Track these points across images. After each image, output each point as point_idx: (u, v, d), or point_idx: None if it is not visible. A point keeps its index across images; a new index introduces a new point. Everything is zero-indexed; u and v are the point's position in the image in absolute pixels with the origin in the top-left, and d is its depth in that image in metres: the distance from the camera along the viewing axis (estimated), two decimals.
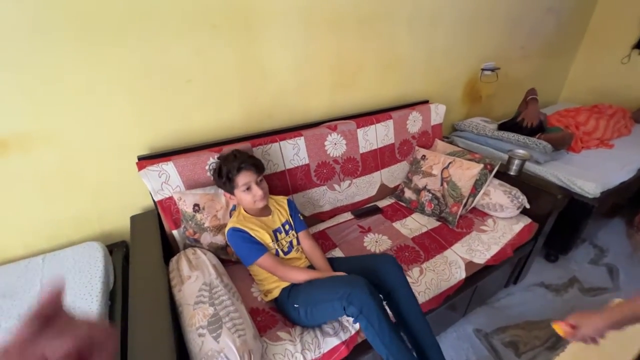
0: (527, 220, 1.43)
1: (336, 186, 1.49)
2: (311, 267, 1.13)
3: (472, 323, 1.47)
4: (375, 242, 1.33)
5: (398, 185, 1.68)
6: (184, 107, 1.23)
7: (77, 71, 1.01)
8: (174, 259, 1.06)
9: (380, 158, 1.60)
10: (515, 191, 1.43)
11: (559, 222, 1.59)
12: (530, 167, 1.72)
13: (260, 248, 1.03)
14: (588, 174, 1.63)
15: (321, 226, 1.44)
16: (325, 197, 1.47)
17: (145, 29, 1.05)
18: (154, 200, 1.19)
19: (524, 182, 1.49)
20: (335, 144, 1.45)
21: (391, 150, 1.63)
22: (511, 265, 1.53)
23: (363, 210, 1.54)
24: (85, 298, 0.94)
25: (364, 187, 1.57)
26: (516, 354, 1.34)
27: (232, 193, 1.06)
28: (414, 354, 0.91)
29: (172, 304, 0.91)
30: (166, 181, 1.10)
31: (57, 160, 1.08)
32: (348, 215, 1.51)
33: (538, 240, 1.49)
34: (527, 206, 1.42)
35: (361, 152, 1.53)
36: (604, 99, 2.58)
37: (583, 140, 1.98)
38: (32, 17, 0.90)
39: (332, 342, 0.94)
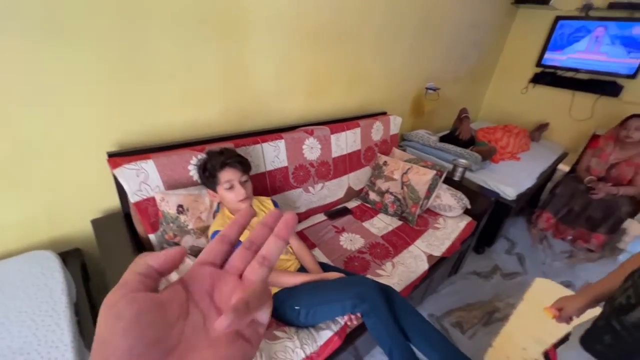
0: (468, 219, 1.71)
1: (310, 188, 1.55)
2: (301, 268, 1.16)
3: (427, 309, 1.69)
4: (350, 241, 1.43)
5: (362, 189, 1.82)
6: (160, 102, 1.15)
7: (45, 59, 0.87)
8: None
9: (348, 162, 1.72)
10: (460, 194, 1.70)
11: (487, 221, 1.94)
12: (466, 175, 2.04)
13: None
14: (507, 180, 2.01)
15: (299, 227, 1.48)
16: (301, 198, 1.51)
17: (123, 17, 0.96)
18: (122, 200, 1.08)
19: (465, 186, 1.78)
20: (311, 147, 1.51)
21: (357, 155, 1.77)
22: (453, 258, 1.80)
23: (334, 211, 1.63)
24: (51, 315, 0.82)
25: (334, 190, 1.66)
26: (461, 332, 1.58)
27: (214, 190, 1.04)
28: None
29: None
30: (145, 181, 1.02)
31: (8, 155, 0.91)
32: (321, 216, 1.58)
33: (474, 235, 1.78)
34: (469, 207, 1.70)
35: (333, 156, 1.62)
36: (510, 120, 3.19)
37: (500, 153, 2.43)
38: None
39: (325, 334, 0.99)
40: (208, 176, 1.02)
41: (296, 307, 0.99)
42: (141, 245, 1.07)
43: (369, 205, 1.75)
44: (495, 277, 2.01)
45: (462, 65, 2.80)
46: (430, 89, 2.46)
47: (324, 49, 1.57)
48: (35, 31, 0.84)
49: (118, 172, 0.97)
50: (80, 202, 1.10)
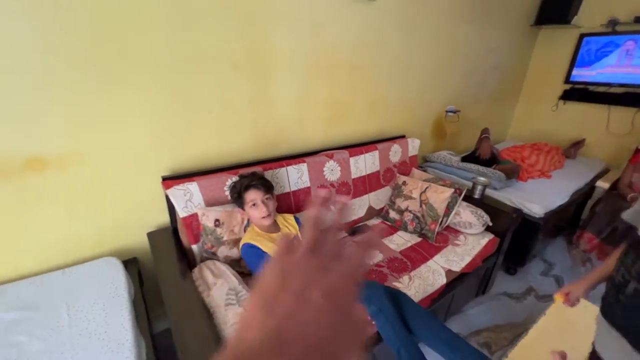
0: (490, 236, 1.71)
1: (332, 207, 1.68)
2: None
3: (452, 328, 1.66)
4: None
5: (383, 207, 1.91)
6: (202, 134, 1.40)
7: (111, 102, 1.15)
8: (196, 270, 1.16)
9: (368, 183, 1.84)
10: (480, 211, 1.73)
11: (515, 240, 1.91)
12: (489, 192, 2.05)
13: None
14: (534, 198, 1.98)
15: None
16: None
17: (175, 69, 1.23)
18: (171, 216, 1.30)
19: (486, 204, 1.80)
20: (332, 170, 1.66)
21: (377, 176, 1.88)
22: (478, 277, 1.78)
23: (356, 229, 1.73)
24: (116, 308, 1.01)
25: (355, 209, 1.78)
26: (489, 352, 1.54)
27: (242, 208, 1.22)
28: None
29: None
30: (190, 199, 1.23)
31: (86, 179, 1.18)
32: (343, 234, 1.70)
33: (500, 253, 1.77)
34: (490, 224, 1.71)
35: (353, 177, 1.76)
36: (541, 138, 3.12)
37: (528, 171, 2.39)
38: (80, 59, 1.05)
39: None
40: (237, 197, 1.21)
41: None
42: (185, 254, 1.26)
43: (389, 223, 1.83)
44: (529, 298, 1.93)
45: (482, 88, 2.86)
46: (451, 111, 2.55)
47: (341, 81, 1.76)
48: (112, 88, 1.13)
49: (170, 192, 1.20)
50: (138, 218, 1.34)
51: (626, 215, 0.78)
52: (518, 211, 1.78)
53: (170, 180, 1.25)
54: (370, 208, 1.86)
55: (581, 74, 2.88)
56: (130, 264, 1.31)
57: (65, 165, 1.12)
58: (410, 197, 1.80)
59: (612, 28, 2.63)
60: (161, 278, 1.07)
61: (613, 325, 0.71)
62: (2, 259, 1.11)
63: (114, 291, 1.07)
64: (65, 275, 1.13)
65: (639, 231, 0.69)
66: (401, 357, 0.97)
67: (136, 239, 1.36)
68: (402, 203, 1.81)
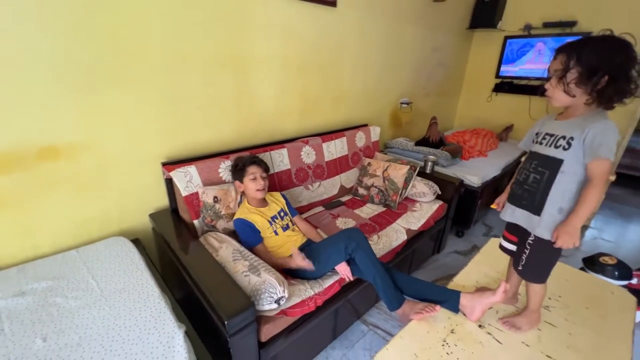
0: (440, 202, 2.09)
1: (310, 186, 1.95)
2: (308, 241, 1.52)
3: None
4: (344, 223, 1.80)
5: (352, 186, 2.21)
6: (193, 126, 1.58)
7: (117, 98, 1.30)
8: (201, 239, 1.36)
9: (339, 165, 2.13)
10: (431, 183, 2.10)
11: (460, 208, 2.32)
12: (438, 169, 2.44)
13: (257, 238, 1.39)
14: (473, 172, 2.42)
15: (303, 216, 1.85)
16: (303, 194, 1.90)
17: (169, 68, 1.41)
18: (170, 197, 1.48)
19: (435, 177, 2.18)
20: (308, 154, 1.92)
21: (346, 159, 2.18)
22: (432, 238, 2.16)
23: (331, 205, 2.01)
24: (136, 272, 1.18)
25: (329, 187, 2.06)
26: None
27: (241, 181, 1.44)
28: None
29: None
30: (190, 180, 1.42)
31: (94, 166, 1.32)
32: (320, 208, 1.97)
33: (448, 216, 2.16)
34: (439, 192, 2.09)
35: (326, 160, 2.04)
36: (480, 125, 3.66)
37: (469, 151, 2.85)
38: (94, 61, 1.20)
39: (329, 282, 1.34)
40: (239, 169, 1.43)
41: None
42: (187, 229, 1.44)
43: (358, 198, 2.13)
44: (473, 253, 2.35)
45: (430, 82, 3.30)
46: (404, 103, 2.93)
47: (310, 78, 2.03)
48: (119, 84, 1.28)
49: (173, 174, 1.37)
50: (139, 202, 1.49)
51: (521, 145, 1.18)
52: (461, 181, 2.18)
53: (170, 164, 1.43)
54: (342, 187, 2.15)
55: (507, 70, 3.44)
56: (135, 243, 1.46)
57: (75, 154, 1.25)
58: (375, 175, 2.12)
59: (528, 32, 3.20)
60: (174, 245, 1.25)
61: (519, 206, 1.08)
62: (21, 241, 1.21)
63: (130, 260, 1.23)
64: (80, 253, 1.26)
65: (529, 149, 1.09)
66: (377, 284, 1.26)
67: (138, 221, 1.51)
68: (368, 180, 2.13)
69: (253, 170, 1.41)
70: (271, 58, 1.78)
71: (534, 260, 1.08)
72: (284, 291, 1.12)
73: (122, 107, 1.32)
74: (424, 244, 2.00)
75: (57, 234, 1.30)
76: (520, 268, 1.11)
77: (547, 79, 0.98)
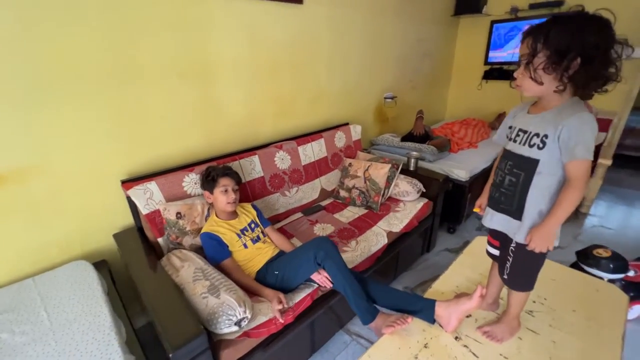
0: (425, 200, 2.00)
1: (287, 192, 1.87)
2: (280, 252, 1.45)
3: (402, 283, 1.95)
4: (322, 229, 1.73)
5: (334, 189, 2.14)
6: (157, 138, 1.51)
7: (68, 114, 1.24)
8: (164, 258, 1.30)
9: (318, 168, 2.05)
10: (415, 180, 2.01)
11: (450, 203, 2.23)
12: (425, 164, 2.36)
13: (224, 253, 1.32)
14: (461, 165, 2.32)
15: (279, 224, 1.79)
16: (279, 201, 1.83)
17: (124, 80, 1.34)
18: (134, 216, 1.42)
19: (420, 174, 2.09)
20: (282, 159, 1.85)
21: (325, 161, 2.10)
22: (421, 237, 2.07)
23: (310, 210, 1.94)
24: (91, 299, 1.12)
25: (308, 192, 1.99)
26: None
27: (211, 192, 1.37)
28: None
29: None
30: (150, 197, 1.35)
31: (47, 189, 1.26)
32: (299, 214, 1.89)
33: (435, 214, 2.07)
34: (424, 190, 2.00)
35: (303, 164, 1.96)
36: (474, 115, 3.55)
37: (458, 143, 2.75)
38: (36, 76, 1.14)
39: (300, 295, 1.27)
40: (210, 180, 1.36)
41: (276, 272, 1.29)
42: (152, 249, 1.39)
43: (339, 201, 2.06)
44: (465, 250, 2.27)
45: (417, 75, 3.19)
46: (388, 97, 2.84)
47: (283, 79, 1.95)
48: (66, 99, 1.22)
49: (131, 192, 1.31)
50: (103, 222, 1.43)
51: (494, 138, 1.10)
52: (445, 177, 2.09)
53: (129, 182, 1.37)
54: (322, 190, 2.07)
55: (496, 56, 3.31)
56: (100, 265, 1.40)
57: (23, 178, 1.20)
58: (356, 176, 2.04)
59: (515, 15, 3.08)
60: (132, 268, 1.19)
61: (498, 210, 1.00)
62: None
63: (87, 286, 1.17)
64: (37, 282, 1.21)
65: (504, 146, 0.99)
66: (347, 295, 1.19)
67: (103, 242, 1.45)
68: (349, 182, 2.05)
69: (225, 183, 1.34)
70: (238, 62, 1.71)
71: (519, 268, 0.99)
72: (244, 312, 1.05)
73: (74, 124, 1.26)
74: (411, 244, 1.92)
75: (12, 262, 1.25)
76: (505, 277, 1.03)
77: (517, 65, 0.88)
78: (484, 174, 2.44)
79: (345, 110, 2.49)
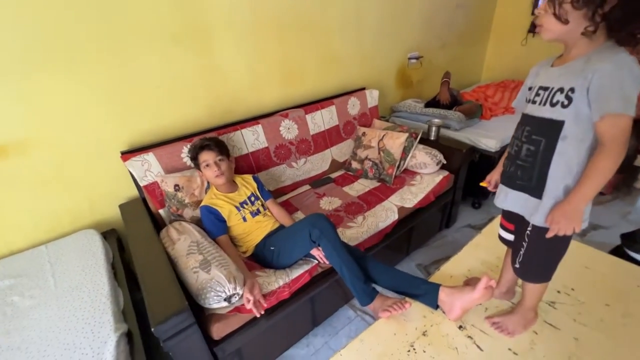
0: (445, 173, 1.82)
1: (294, 164, 1.79)
2: (281, 226, 1.40)
3: (415, 260, 1.85)
4: (329, 203, 1.64)
5: (346, 160, 2.01)
6: (155, 108, 1.46)
7: (65, 88, 1.22)
8: (163, 230, 1.30)
9: (328, 138, 1.92)
10: (435, 151, 1.82)
11: (476, 175, 2.01)
12: (449, 133, 2.13)
13: (220, 228, 1.28)
14: (492, 134, 2.06)
15: (285, 197, 1.73)
16: (286, 173, 1.76)
17: (115, 46, 1.28)
18: (137, 187, 1.41)
19: (441, 144, 1.89)
20: (288, 128, 1.74)
21: (337, 130, 1.96)
22: (440, 212, 1.92)
23: (319, 182, 1.85)
24: (93, 268, 1.16)
25: (317, 163, 1.88)
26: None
27: (199, 170, 1.33)
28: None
29: (169, 260, 1.15)
30: (148, 169, 1.33)
31: (52, 161, 1.28)
32: (307, 187, 1.81)
33: (457, 188, 1.89)
34: (444, 162, 1.81)
35: (311, 134, 1.84)
36: (515, 75, 3.13)
37: (492, 109, 2.44)
38: (28, 44, 1.10)
39: (297, 272, 1.23)
40: (193, 158, 1.31)
41: (272, 248, 1.25)
42: (155, 220, 1.39)
43: (350, 173, 1.94)
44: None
45: (448, 30, 2.82)
46: (413, 58, 2.55)
47: (290, 39, 1.78)
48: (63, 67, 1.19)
49: (128, 163, 1.30)
50: (110, 192, 1.46)
51: (514, 103, 0.93)
52: (470, 147, 1.86)
53: (128, 153, 1.35)
54: (333, 161, 1.96)
55: None
56: (110, 234, 1.45)
57: (27, 150, 1.22)
58: (370, 146, 1.89)
59: None
60: (130, 241, 1.20)
61: (513, 187, 0.85)
62: None
63: (92, 255, 1.21)
64: (49, 248, 1.27)
65: (523, 110, 0.83)
66: (344, 275, 1.12)
67: (112, 211, 1.49)
68: (362, 153, 1.91)
69: (204, 158, 1.28)
70: (239, 24, 1.57)
71: (534, 256, 0.85)
72: (234, 288, 1.03)
73: (69, 94, 1.24)
74: (427, 219, 1.78)
75: (27, 230, 1.32)
76: (517, 265, 0.89)
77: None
78: None
79: (362, 74, 2.27)
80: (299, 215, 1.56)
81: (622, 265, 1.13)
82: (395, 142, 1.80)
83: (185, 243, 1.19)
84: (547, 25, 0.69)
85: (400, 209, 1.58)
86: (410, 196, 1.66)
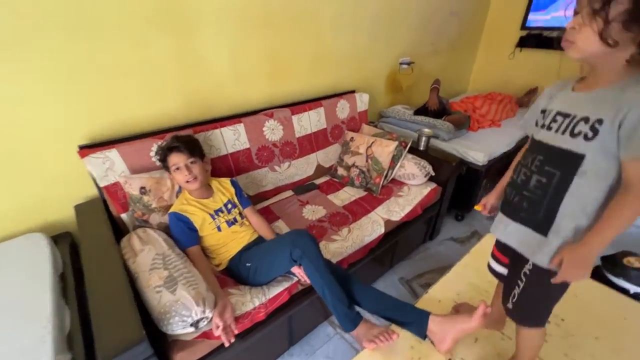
0: (433, 185, 1.77)
1: (277, 167, 1.67)
2: (259, 238, 1.28)
3: (397, 273, 1.79)
4: (312, 212, 1.54)
5: (332, 165, 1.91)
6: (123, 98, 1.30)
7: (20, 70, 1.03)
8: (124, 238, 1.14)
9: (315, 141, 1.82)
10: (424, 162, 1.76)
11: (461, 188, 1.99)
12: (438, 143, 2.08)
13: (191, 239, 1.15)
14: (479, 147, 2.04)
15: (265, 203, 1.61)
16: (267, 177, 1.64)
17: (83, 26, 1.10)
18: (98, 187, 1.24)
19: (430, 155, 1.84)
20: (272, 129, 1.62)
21: (324, 134, 1.86)
22: (425, 224, 1.87)
23: (303, 188, 1.74)
24: (35, 282, 0.99)
25: (302, 168, 1.77)
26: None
27: (170, 173, 1.19)
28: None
29: (128, 275, 1.01)
30: (110, 167, 1.17)
31: (1, 153, 1.09)
32: (289, 193, 1.70)
33: (443, 201, 1.85)
34: (433, 174, 1.76)
35: (297, 136, 1.73)
36: (499, 88, 3.15)
37: (479, 121, 2.43)
38: None
39: (276, 290, 1.12)
40: (162, 161, 1.17)
41: (247, 264, 1.13)
42: (116, 225, 1.24)
43: (336, 180, 1.85)
44: (472, 241, 2.07)
45: (441, 37, 2.78)
46: (404, 63, 2.49)
47: (279, 32, 1.65)
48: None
49: (86, 160, 1.13)
50: (65, 191, 1.27)
51: (521, 124, 0.87)
52: (459, 160, 1.83)
53: (87, 148, 1.18)
54: (319, 166, 1.86)
55: (537, 19, 2.83)
56: (62, 238, 1.27)
57: None
58: (357, 153, 1.80)
59: None
60: (83, 249, 1.05)
61: (515, 219, 0.78)
62: None
63: (34, 266, 1.04)
64: None
65: (532, 135, 0.76)
66: (326, 297, 1.03)
67: (66, 212, 1.30)
68: (349, 159, 1.82)
69: (174, 161, 1.14)
70: (223, 10, 1.42)
71: (530, 298, 0.78)
72: (203, 312, 0.91)
73: (23, 81, 1.06)
74: (412, 232, 1.73)
75: None
76: (510, 306, 0.82)
77: (575, 12, 0.63)
78: (504, 159, 2.16)
79: (352, 76, 2.18)
80: (280, 225, 1.45)
81: (608, 295, 1.11)
82: (384, 150, 1.73)
83: (149, 255, 1.04)
84: (584, 44, 0.60)
85: (387, 222, 1.51)
86: (398, 208, 1.59)
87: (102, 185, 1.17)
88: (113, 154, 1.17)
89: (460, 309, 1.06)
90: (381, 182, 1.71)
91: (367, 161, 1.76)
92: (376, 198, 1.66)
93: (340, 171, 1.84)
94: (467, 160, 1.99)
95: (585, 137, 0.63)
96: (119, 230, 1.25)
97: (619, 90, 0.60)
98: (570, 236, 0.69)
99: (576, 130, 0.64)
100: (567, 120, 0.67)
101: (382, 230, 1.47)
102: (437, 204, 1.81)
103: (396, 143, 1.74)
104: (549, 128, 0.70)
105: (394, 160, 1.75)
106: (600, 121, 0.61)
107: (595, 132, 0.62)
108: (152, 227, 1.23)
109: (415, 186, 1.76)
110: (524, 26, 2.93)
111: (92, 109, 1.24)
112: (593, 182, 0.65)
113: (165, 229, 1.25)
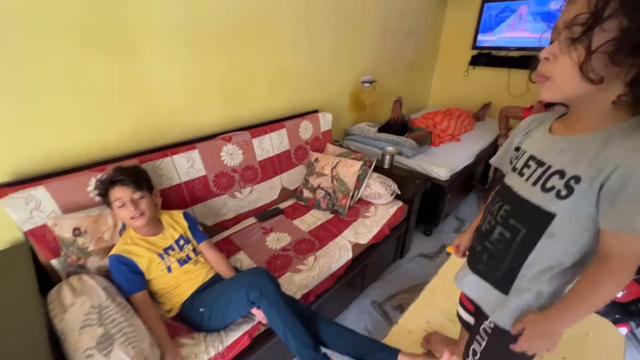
0: (399, 204, 1.76)
1: (237, 194, 1.57)
2: (216, 276, 1.17)
3: (369, 296, 1.73)
4: (277, 240, 1.45)
5: (298, 187, 1.85)
6: (56, 126, 1.15)
7: None
8: (53, 290, 0.98)
9: (278, 164, 1.75)
10: (389, 181, 1.76)
11: (427, 203, 2.00)
12: (402, 160, 2.10)
13: (136, 284, 1.02)
14: (441, 162, 2.08)
15: (225, 233, 1.50)
16: (228, 205, 1.53)
17: (10, 43, 0.97)
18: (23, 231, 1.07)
19: (395, 173, 1.83)
20: (231, 154, 1.53)
21: (287, 156, 1.80)
22: (395, 242, 1.85)
23: (266, 214, 1.65)
24: None
25: (265, 192, 1.69)
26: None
27: (112, 209, 1.06)
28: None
29: (53, 338, 0.86)
30: (36, 207, 1.02)
31: None
32: (252, 220, 1.61)
33: (410, 219, 1.84)
34: (398, 192, 1.75)
35: (258, 160, 1.65)
36: (459, 104, 3.30)
37: (440, 136, 2.50)
38: None
39: (235, 335, 1.01)
40: (102, 195, 1.04)
41: (201, 310, 1.01)
42: (44, 272, 1.07)
43: (302, 203, 1.78)
44: (440, 256, 2.08)
45: (400, 56, 2.88)
46: (366, 82, 2.52)
47: (235, 51, 1.58)
48: None
49: (4, 202, 0.97)
50: None
51: (493, 160, 0.79)
52: (425, 177, 1.84)
53: (8, 187, 1.02)
54: (283, 189, 1.78)
55: (485, 39, 3.03)
56: None
57: None
58: (323, 174, 1.76)
59: None
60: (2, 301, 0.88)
61: (476, 272, 0.72)
62: None
63: None
64: None
65: (507, 177, 0.68)
66: (288, 340, 0.94)
67: None
68: (314, 181, 1.77)
69: (117, 195, 1.02)
70: (171, 27, 1.34)
71: (490, 357, 0.72)
72: None
73: None
74: (381, 253, 1.69)
75: None
76: None
77: (551, 40, 0.50)
78: (465, 172, 2.23)
79: (315, 95, 2.16)
80: (242, 257, 1.35)
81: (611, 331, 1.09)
82: (350, 170, 1.70)
83: (81, 309, 0.90)
84: (560, 79, 0.49)
85: (355, 246, 1.45)
86: (365, 230, 1.55)
87: (25, 229, 1.01)
88: (39, 191, 1.02)
89: (431, 340, 1.01)
90: (347, 204, 1.67)
91: (332, 182, 1.71)
92: (343, 220, 1.61)
93: (306, 193, 1.78)
94: (431, 176, 2.02)
95: (558, 195, 0.53)
96: (49, 279, 1.08)
97: (601, 142, 0.49)
98: (532, 301, 0.62)
99: (548, 185, 0.55)
100: (540, 170, 0.58)
101: (350, 256, 1.41)
102: (404, 222, 1.80)
103: (361, 163, 1.72)
104: (521, 174, 0.62)
105: (359, 180, 1.73)
106: (577, 178, 0.51)
107: (570, 190, 0.52)
108: (90, 272, 1.08)
109: (382, 205, 1.74)
110: (474, 46, 3.12)
111: (16, 140, 1.09)
112: (562, 245, 0.56)
113: (107, 274, 1.10)
